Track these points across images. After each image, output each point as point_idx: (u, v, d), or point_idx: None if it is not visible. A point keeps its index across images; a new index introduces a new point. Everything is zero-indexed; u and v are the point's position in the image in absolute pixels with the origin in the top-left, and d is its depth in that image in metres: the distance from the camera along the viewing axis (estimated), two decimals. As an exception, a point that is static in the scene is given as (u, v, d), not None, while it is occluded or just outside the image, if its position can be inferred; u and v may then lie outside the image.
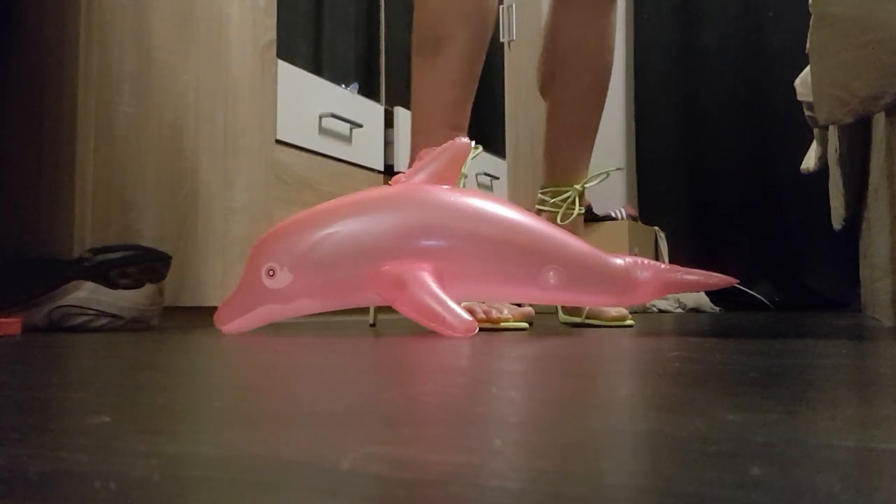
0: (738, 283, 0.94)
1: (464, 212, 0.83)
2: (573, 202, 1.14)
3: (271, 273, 0.82)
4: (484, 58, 1.08)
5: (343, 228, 0.83)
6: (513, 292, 0.86)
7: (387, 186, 0.88)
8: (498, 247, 0.82)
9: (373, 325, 1.13)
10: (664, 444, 0.21)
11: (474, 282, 0.83)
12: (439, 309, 0.78)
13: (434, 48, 1.03)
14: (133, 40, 1.12)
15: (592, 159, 1.19)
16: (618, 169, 1.33)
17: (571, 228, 1.06)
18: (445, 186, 0.86)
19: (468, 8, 1.03)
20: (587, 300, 0.90)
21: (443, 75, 1.03)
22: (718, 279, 0.91)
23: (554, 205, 1.14)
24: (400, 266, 0.81)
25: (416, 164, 0.88)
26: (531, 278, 0.83)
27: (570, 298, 0.86)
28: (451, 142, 0.88)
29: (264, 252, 0.83)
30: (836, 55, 0.86)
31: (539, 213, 1.14)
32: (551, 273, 0.83)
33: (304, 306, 0.84)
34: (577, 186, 1.14)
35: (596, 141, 1.18)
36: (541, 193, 1.17)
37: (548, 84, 1.18)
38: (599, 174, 1.16)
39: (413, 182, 0.86)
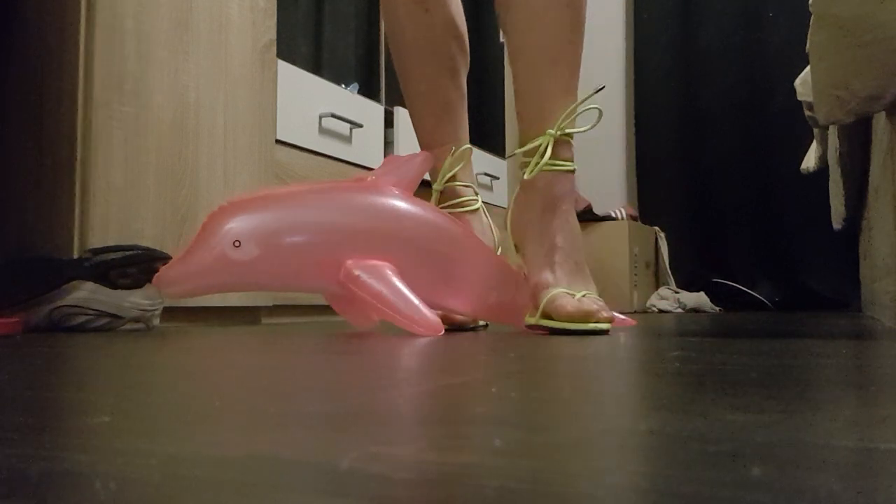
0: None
1: (421, 219, 0.89)
2: (543, 153, 0.88)
3: (237, 244, 0.81)
4: (460, 80, 1.10)
5: (314, 213, 0.85)
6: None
7: (358, 180, 0.90)
8: (435, 256, 0.89)
9: None
10: (664, 444, 0.21)
11: (418, 287, 0.85)
12: (407, 305, 0.81)
13: (403, 84, 1.10)
14: (133, 40, 1.12)
15: (593, 159, 1.10)
16: (601, 88, 1.00)
17: (546, 187, 0.88)
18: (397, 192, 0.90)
19: (420, 45, 1.06)
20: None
21: (414, 107, 1.09)
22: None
23: (525, 163, 0.91)
24: (364, 260, 0.83)
25: (381, 169, 0.91)
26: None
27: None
28: (414, 153, 0.93)
29: (231, 222, 0.83)
30: (836, 55, 0.86)
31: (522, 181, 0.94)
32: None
33: (263, 282, 0.86)
34: (551, 131, 0.88)
35: (596, 140, 1.10)
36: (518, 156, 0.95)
37: (501, 8, 0.95)
38: (574, 109, 0.89)
39: (379, 182, 0.90)
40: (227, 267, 0.82)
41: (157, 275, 0.83)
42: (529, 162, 0.91)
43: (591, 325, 0.79)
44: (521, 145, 0.94)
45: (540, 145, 0.89)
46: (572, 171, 0.91)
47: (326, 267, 0.83)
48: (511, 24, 0.94)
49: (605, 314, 0.80)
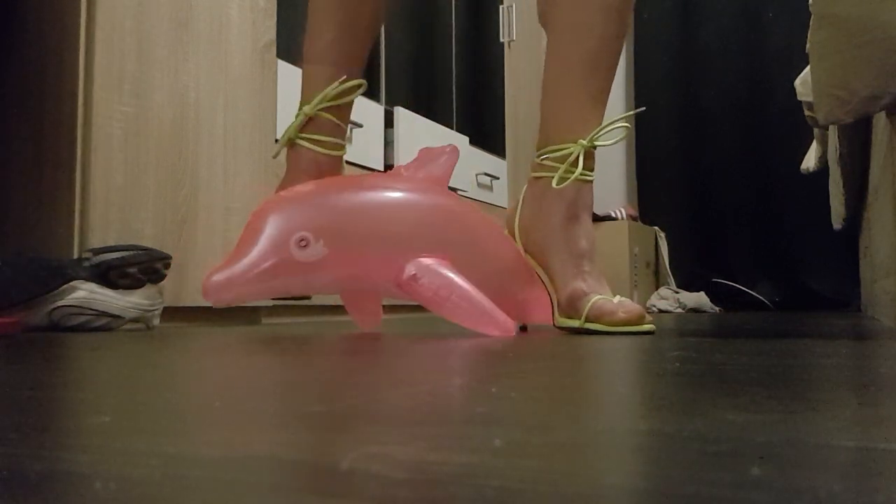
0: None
1: (468, 217, 0.85)
2: (574, 162, 0.87)
3: (303, 244, 0.73)
4: (381, 3, 0.96)
5: (377, 210, 0.77)
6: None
7: (395, 174, 0.84)
8: (481, 255, 0.84)
9: None
10: (664, 444, 0.21)
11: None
12: (479, 305, 0.76)
13: None
14: (133, 40, 1.12)
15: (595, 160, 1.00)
16: (641, 109, 1.11)
17: (573, 197, 0.88)
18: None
19: None
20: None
21: (316, 15, 0.94)
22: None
23: (551, 168, 0.88)
24: (426, 258, 0.77)
25: (415, 163, 0.85)
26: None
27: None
28: (443, 146, 0.86)
29: (294, 218, 0.74)
30: (836, 55, 0.86)
31: (535, 181, 0.91)
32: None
33: (324, 284, 0.78)
34: (583, 141, 0.87)
35: None
36: (537, 157, 0.91)
37: (547, 5, 0.92)
38: (613, 123, 0.89)
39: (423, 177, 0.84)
40: (291, 269, 0.74)
41: (204, 282, 0.74)
42: (546, 163, 0.89)
43: (647, 327, 0.84)
44: (542, 146, 0.91)
45: (571, 153, 0.87)
46: (592, 181, 0.91)
47: (388, 266, 0.77)
48: (555, 20, 0.90)
49: (648, 315, 0.86)
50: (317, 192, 0.78)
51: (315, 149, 0.92)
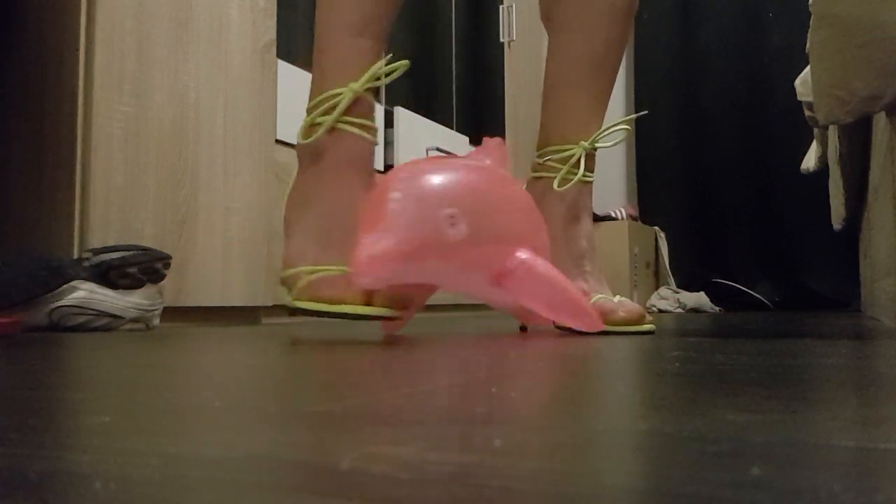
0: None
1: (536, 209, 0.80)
2: (576, 164, 0.87)
3: (453, 221, 0.66)
4: None
5: (503, 194, 0.71)
6: None
7: (491, 164, 0.77)
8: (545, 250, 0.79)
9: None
10: (664, 444, 0.21)
11: None
12: (580, 300, 0.74)
13: None
14: (133, 40, 1.12)
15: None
16: (643, 113, 1.13)
17: (574, 198, 0.88)
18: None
19: None
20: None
21: None
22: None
23: (552, 168, 0.89)
24: (527, 251, 0.72)
25: (483, 153, 0.79)
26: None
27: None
28: (493, 139, 0.80)
29: (442, 194, 0.67)
30: (836, 55, 0.86)
31: (535, 181, 0.91)
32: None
33: (452, 272, 0.70)
34: (585, 143, 0.88)
35: None
36: (538, 157, 0.91)
37: (551, 4, 0.90)
38: (615, 126, 0.89)
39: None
40: (438, 248, 0.67)
41: (356, 261, 0.65)
42: (548, 164, 0.89)
43: (647, 327, 0.85)
44: (543, 146, 0.91)
45: (573, 155, 0.87)
46: (592, 182, 0.91)
47: (500, 254, 0.71)
48: (560, 20, 0.89)
49: (648, 315, 0.87)
50: (444, 168, 0.70)
51: (364, 135, 0.80)
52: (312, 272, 0.73)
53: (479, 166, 0.74)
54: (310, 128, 0.79)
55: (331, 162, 0.79)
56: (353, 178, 0.78)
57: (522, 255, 0.72)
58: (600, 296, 0.86)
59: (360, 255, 0.65)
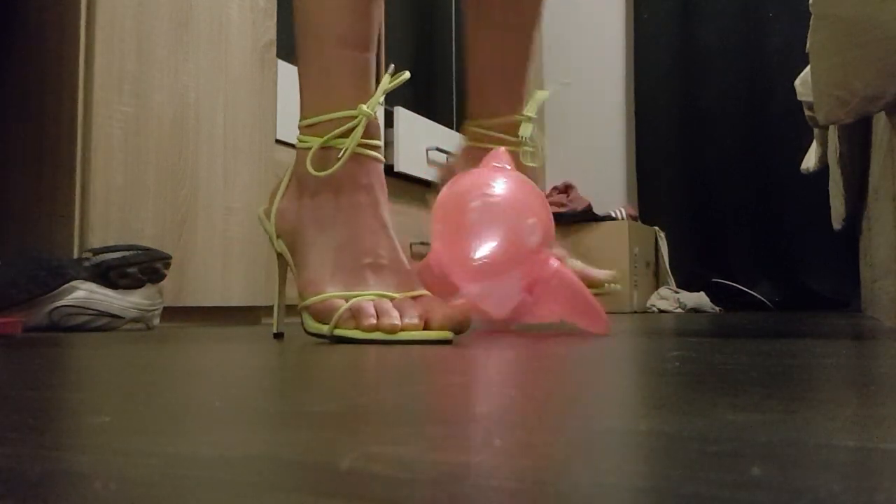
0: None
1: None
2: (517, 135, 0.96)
3: (533, 230, 0.67)
4: None
5: (546, 203, 0.73)
6: None
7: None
8: None
9: (278, 335, 0.81)
10: (664, 444, 0.21)
11: None
12: (597, 304, 0.75)
13: None
14: (133, 40, 1.12)
15: (593, 159, 1.05)
16: (565, 83, 1.19)
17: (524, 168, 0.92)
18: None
19: None
20: None
21: None
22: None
23: (500, 140, 0.94)
24: (556, 260, 0.74)
25: (497, 161, 0.79)
26: None
27: None
28: (499, 149, 0.80)
29: (524, 203, 0.68)
30: (836, 55, 0.86)
31: (470, 151, 0.97)
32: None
33: (515, 282, 0.71)
34: (530, 113, 0.96)
35: (596, 140, 1.09)
36: (477, 126, 0.98)
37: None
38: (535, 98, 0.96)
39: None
40: (523, 255, 0.68)
41: (461, 267, 0.65)
42: (490, 134, 0.97)
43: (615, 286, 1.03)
44: (492, 116, 0.99)
45: (518, 125, 0.96)
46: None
47: (539, 263, 0.72)
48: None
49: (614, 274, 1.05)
50: (507, 177, 0.72)
51: (379, 156, 0.78)
52: (347, 298, 0.68)
53: (519, 175, 0.76)
54: (322, 150, 0.75)
55: (350, 187, 0.75)
56: (375, 201, 0.75)
57: (554, 263, 0.73)
58: (573, 260, 0.95)
59: (468, 262, 0.64)
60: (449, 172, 0.98)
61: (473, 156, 0.95)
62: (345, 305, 0.68)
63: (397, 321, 0.65)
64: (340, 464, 0.18)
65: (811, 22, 0.89)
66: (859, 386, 0.34)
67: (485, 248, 0.67)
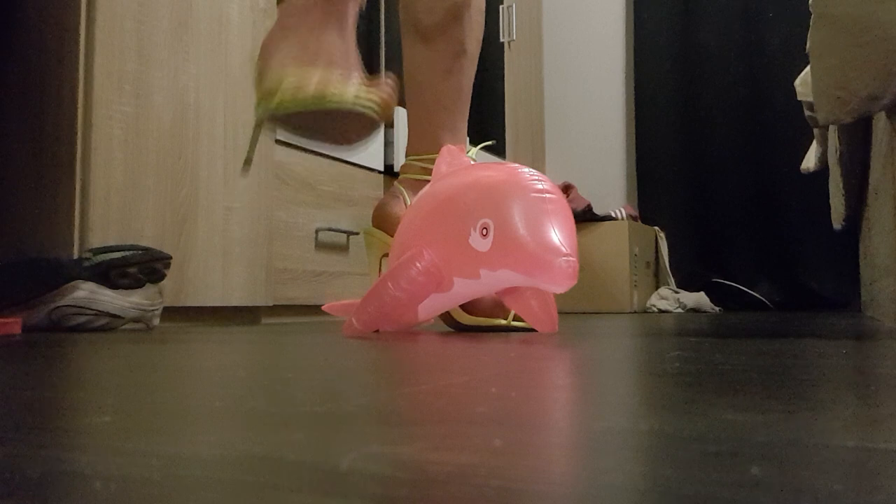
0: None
1: None
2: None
3: (485, 232, 0.68)
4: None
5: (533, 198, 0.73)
6: None
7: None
8: None
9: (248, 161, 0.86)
10: (664, 444, 0.21)
11: None
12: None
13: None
14: (133, 40, 1.12)
15: (593, 159, 1.05)
16: (491, 142, 1.25)
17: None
18: None
19: None
20: None
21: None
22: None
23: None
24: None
25: (450, 158, 0.85)
26: None
27: None
28: (457, 146, 0.87)
29: (477, 205, 0.69)
30: (836, 55, 0.86)
31: (408, 183, 1.01)
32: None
33: (506, 278, 0.71)
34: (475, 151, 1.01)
35: (596, 140, 1.09)
36: (417, 160, 1.02)
37: (406, 22, 1.00)
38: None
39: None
40: (479, 260, 0.72)
41: (562, 263, 0.66)
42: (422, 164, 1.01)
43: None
44: (433, 151, 1.02)
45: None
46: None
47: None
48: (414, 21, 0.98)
49: None
50: (491, 172, 0.76)
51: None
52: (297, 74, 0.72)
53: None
54: None
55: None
56: (343, 14, 0.80)
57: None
58: None
59: (565, 256, 0.66)
60: (386, 207, 1.00)
61: (412, 188, 1.00)
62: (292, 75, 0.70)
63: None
64: (340, 464, 0.18)
65: (811, 22, 0.89)
66: (859, 386, 0.34)
67: (570, 247, 0.68)
